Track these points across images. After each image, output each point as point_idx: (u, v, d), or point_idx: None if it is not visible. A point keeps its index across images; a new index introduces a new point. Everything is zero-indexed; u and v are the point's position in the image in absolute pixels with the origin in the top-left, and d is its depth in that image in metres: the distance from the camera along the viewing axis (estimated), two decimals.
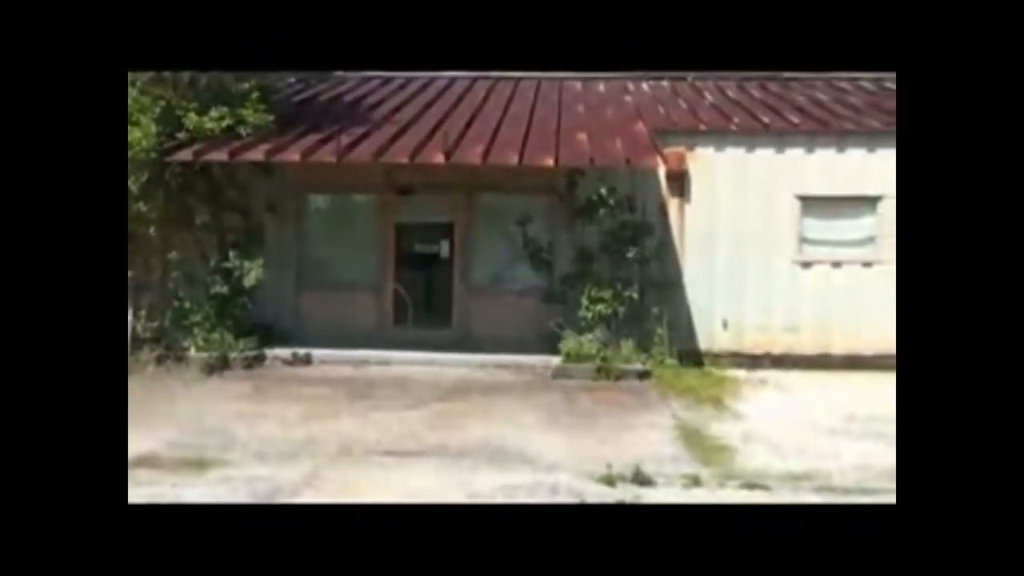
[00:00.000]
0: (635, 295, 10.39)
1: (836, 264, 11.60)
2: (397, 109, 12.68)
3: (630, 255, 10.44)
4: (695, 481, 6.07)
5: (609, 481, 5.98)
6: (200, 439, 7.04)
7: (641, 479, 6.01)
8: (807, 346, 11.56)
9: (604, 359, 10.05)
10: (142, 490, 5.46)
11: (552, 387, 9.66)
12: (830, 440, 7.41)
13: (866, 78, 15.65)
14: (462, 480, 5.97)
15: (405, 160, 10.00)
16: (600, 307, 10.29)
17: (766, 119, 11.97)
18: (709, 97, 13.69)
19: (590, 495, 5.67)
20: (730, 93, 13.95)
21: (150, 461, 6.34)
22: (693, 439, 7.38)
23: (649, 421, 8.10)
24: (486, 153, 10.10)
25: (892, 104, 13.11)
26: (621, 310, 10.35)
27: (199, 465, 6.26)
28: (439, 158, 9.97)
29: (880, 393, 9.45)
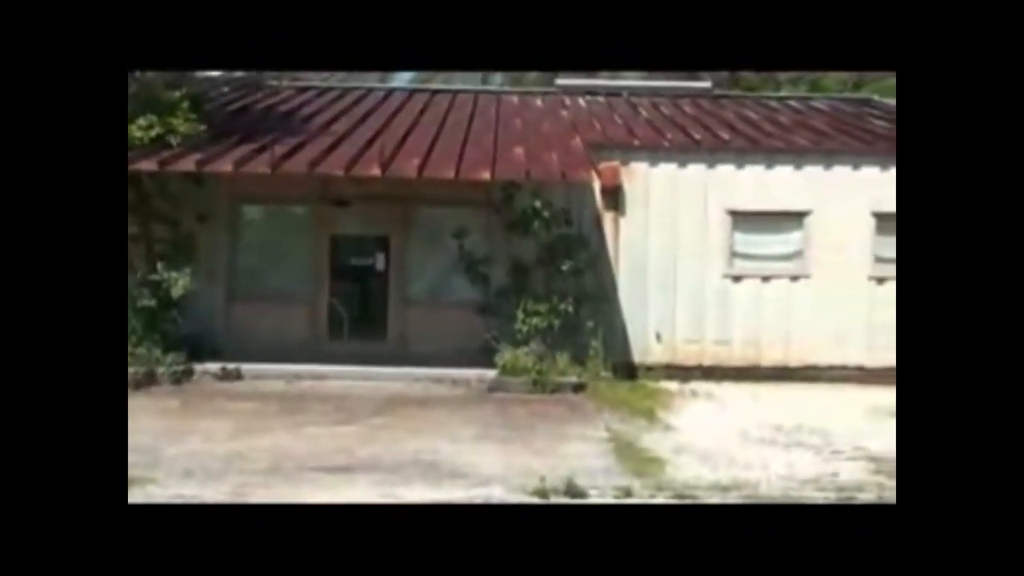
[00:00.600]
0: (570, 308, 10.47)
1: (765, 278, 11.88)
2: (333, 120, 12.59)
3: (565, 268, 10.52)
4: (627, 493, 6.13)
5: (543, 494, 6.00)
6: None
7: (574, 492, 6.04)
8: (737, 358, 11.81)
9: (540, 372, 10.11)
10: None
11: (488, 400, 9.67)
12: (758, 451, 7.57)
13: (795, 97, 16.19)
14: (394, 495, 5.92)
15: (340, 172, 9.93)
16: (536, 320, 10.35)
17: (698, 135, 12.23)
18: (644, 113, 13.93)
19: None
20: (664, 110, 14.24)
21: None
22: (626, 451, 7.45)
23: (583, 434, 8.15)
24: (422, 166, 10.09)
25: (818, 122, 13.58)
26: (556, 323, 10.42)
27: None
28: (375, 170, 9.93)
29: (806, 404, 9.80)
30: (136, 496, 5.82)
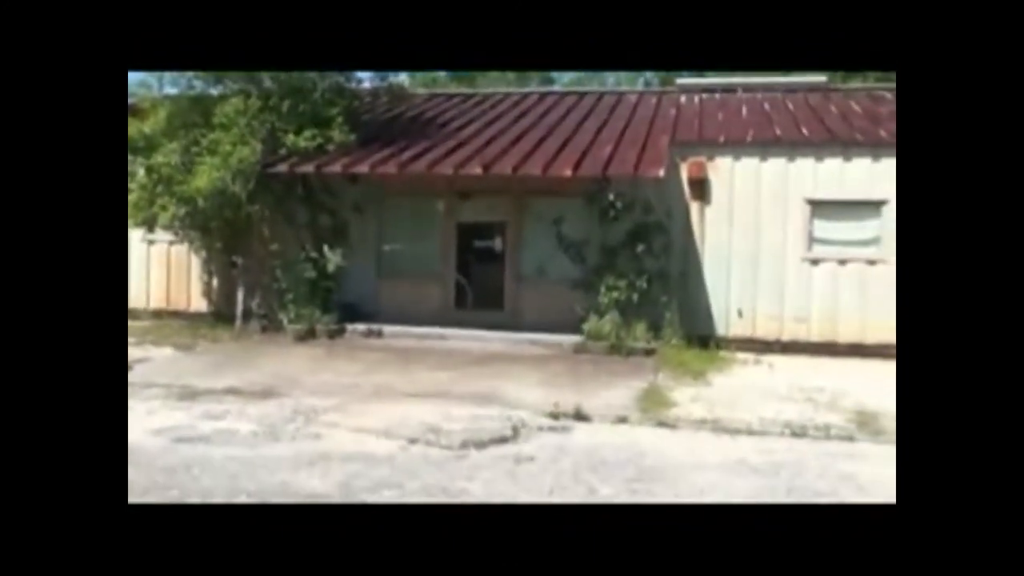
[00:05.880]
0: (645, 284, 12.14)
1: (842, 262, 12.90)
2: (464, 126, 14.91)
3: (639, 250, 12.21)
4: (622, 420, 7.92)
5: (555, 416, 7.93)
6: (273, 380, 9.50)
7: (579, 415, 7.93)
8: (815, 334, 12.94)
9: (617, 338, 11.89)
10: (221, 407, 8.03)
11: (568, 359, 11.59)
12: (764, 401, 8.98)
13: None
14: (444, 412, 8.06)
15: (450, 172, 12.19)
16: (615, 294, 12.13)
17: (779, 131, 13.41)
18: (745, 111, 15.16)
19: (531, 424, 7.67)
20: (767, 106, 15.37)
21: (232, 391, 8.87)
22: (651, 396, 9.14)
23: (628, 383, 9.88)
24: (518, 166, 12.13)
25: None
26: (634, 297, 12.13)
27: (264, 395, 8.69)
28: (478, 170, 12.11)
29: (855, 374, 10.88)
30: (270, 402, 8.40)
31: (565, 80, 27.66)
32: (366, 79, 14.77)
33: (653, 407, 8.60)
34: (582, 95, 17.53)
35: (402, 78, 15.02)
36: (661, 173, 11.71)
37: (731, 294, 13.19)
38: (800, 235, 13.01)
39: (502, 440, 7.22)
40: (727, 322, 13.22)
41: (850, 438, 7.49)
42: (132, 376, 9.59)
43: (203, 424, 7.55)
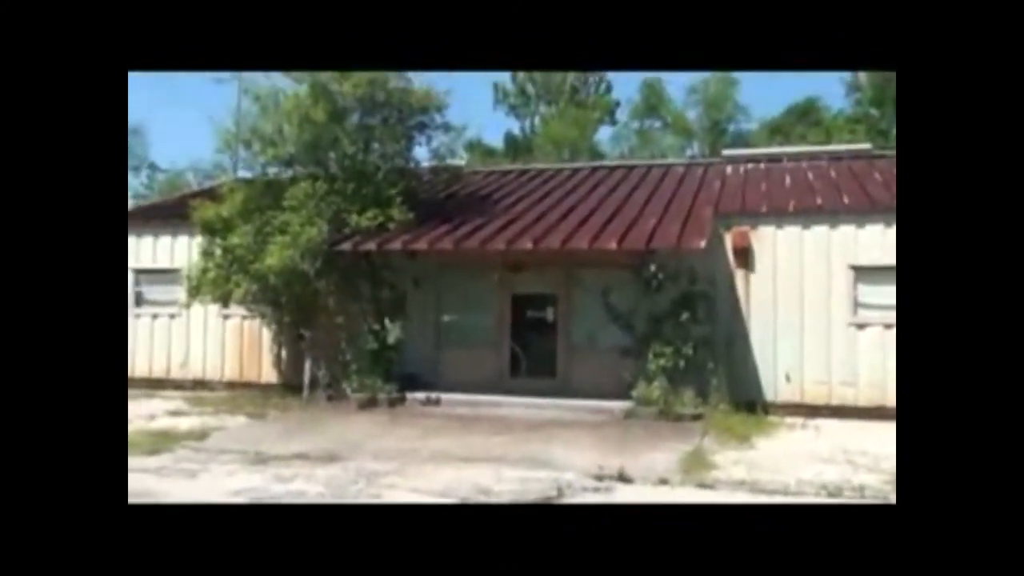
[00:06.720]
0: (690, 352, 12.55)
1: (888, 326, 13.10)
2: (517, 201, 15.71)
3: (683, 319, 12.65)
4: (664, 481, 8.31)
5: (599, 478, 8.37)
6: (338, 446, 10.16)
7: (623, 477, 8.35)
8: (863, 399, 13.10)
9: (665, 403, 12.27)
10: (291, 470, 8.69)
11: (617, 425, 11.99)
12: (807, 464, 9.26)
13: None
14: (496, 474, 8.58)
15: (503, 247, 12.91)
16: (662, 361, 12.56)
17: (820, 200, 13.83)
18: (788, 180, 15.63)
19: (576, 486, 8.12)
20: (810, 174, 15.83)
21: (301, 456, 9.55)
22: (694, 459, 9.49)
23: (673, 447, 10.24)
24: (565, 240, 12.80)
25: None
26: (681, 363, 12.53)
27: (330, 459, 9.34)
28: (528, 245, 12.81)
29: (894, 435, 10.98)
30: (335, 465, 9.04)
31: (615, 153, 28.58)
32: (424, 160, 15.71)
33: (695, 469, 8.96)
34: (631, 168, 18.26)
35: (460, 158, 15.85)
36: (703, 245, 12.22)
37: (778, 360, 13.49)
38: (845, 300, 13.31)
39: (547, 500, 7.68)
40: (775, 387, 13.48)
41: (884, 499, 7.73)
42: (209, 443, 10.38)
43: (275, 486, 8.21)
